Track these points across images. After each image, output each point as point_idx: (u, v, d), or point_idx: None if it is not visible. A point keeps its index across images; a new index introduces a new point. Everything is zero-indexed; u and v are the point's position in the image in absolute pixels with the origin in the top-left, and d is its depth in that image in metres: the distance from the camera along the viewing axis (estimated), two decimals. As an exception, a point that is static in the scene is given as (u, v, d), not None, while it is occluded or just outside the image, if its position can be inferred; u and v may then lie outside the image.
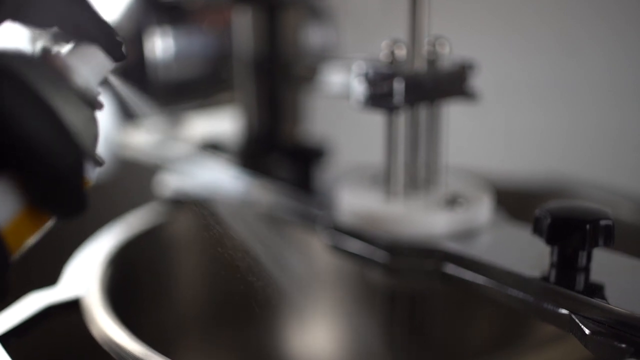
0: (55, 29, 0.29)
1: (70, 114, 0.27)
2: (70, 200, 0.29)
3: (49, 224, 0.30)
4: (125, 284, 0.54)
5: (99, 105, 0.30)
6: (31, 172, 0.27)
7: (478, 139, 0.85)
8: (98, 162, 0.30)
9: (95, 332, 0.44)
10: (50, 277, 0.49)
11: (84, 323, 0.45)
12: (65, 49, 0.30)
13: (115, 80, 0.33)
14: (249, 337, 0.63)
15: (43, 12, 0.28)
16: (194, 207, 0.61)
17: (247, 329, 0.62)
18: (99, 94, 0.30)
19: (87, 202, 0.29)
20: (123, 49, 0.30)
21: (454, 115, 0.51)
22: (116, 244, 0.56)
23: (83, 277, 0.50)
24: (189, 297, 0.63)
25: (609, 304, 0.36)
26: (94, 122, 0.29)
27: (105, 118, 0.65)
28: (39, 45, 0.28)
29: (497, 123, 0.87)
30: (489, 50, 0.79)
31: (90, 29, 0.29)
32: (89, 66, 0.29)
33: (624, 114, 0.83)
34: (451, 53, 0.49)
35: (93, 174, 0.30)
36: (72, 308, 0.47)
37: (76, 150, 0.28)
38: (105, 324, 0.43)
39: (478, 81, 0.49)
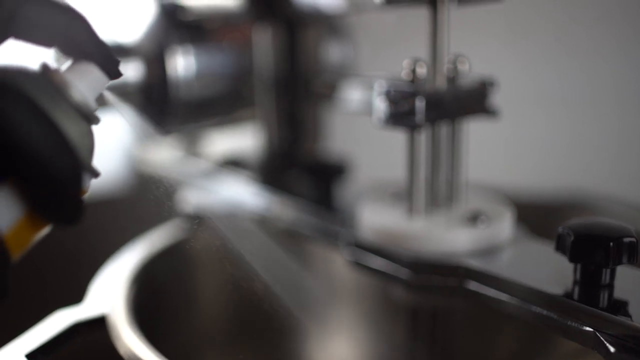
0: (55, 48, 0.31)
1: (68, 126, 0.29)
2: (69, 209, 0.30)
3: (47, 230, 0.31)
4: (149, 300, 0.54)
5: (96, 120, 0.31)
6: (32, 181, 0.29)
7: (496, 154, 0.85)
8: (94, 173, 0.31)
9: (120, 349, 0.44)
10: (76, 295, 0.50)
11: (110, 340, 0.45)
12: (64, 65, 0.31)
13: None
14: (271, 353, 0.63)
15: (45, 32, 0.30)
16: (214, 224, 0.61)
17: (270, 345, 0.63)
18: (95, 108, 0.31)
19: (83, 211, 0.30)
20: (119, 66, 0.32)
21: (472, 130, 0.52)
22: (139, 261, 0.56)
23: (108, 294, 0.50)
24: (213, 313, 0.64)
25: (633, 321, 0.36)
26: (90, 135, 0.30)
27: (127, 135, 0.66)
28: (40, 62, 0.29)
29: (514, 137, 0.87)
30: (505, 65, 0.79)
31: (87, 48, 0.31)
32: (86, 82, 0.31)
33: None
34: (471, 70, 0.49)
35: (89, 184, 0.31)
36: (98, 325, 0.47)
37: (75, 161, 0.29)
38: (131, 341, 0.44)
39: (496, 96, 0.49)
